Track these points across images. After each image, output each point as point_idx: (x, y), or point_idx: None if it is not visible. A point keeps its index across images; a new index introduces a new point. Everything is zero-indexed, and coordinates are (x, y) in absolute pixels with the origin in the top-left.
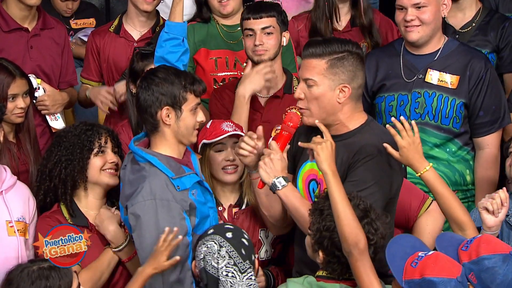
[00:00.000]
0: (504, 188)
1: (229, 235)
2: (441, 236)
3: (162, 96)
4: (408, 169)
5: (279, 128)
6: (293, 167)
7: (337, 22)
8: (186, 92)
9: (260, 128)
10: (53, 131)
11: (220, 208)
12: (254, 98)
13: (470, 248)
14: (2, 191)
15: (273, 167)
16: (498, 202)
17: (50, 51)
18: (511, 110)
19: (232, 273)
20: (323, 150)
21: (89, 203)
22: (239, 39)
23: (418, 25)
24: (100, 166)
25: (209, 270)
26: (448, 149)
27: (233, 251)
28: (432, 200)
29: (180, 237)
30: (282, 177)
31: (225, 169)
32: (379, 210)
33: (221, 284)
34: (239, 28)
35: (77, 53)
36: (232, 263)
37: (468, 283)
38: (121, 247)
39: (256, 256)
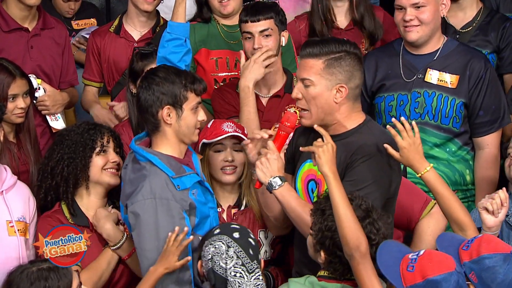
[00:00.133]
0: (504, 188)
1: (236, 235)
2: (441, 236)
3: (163, 95)
4: (409, 169)
5: (278, 126)
6: (292, 167)
7: (333, 23)
8: (186, 91)
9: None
10: (54, 131)
11: (219, 209)
12: (255, 98)
13: (471, 247)
14: (2, 191)
15: (269, 166)
16: (498, 202)
17: (50, 51)
18: (511, 111)
19: (240, 273)
20: (324, 153)
21: (90, 202)
22: (240, 39)
23: (417, 25)
24: (102, 166)
25: (217, 270)
26: (448, 149)
27: (241, 251)
28: (435, 203)
29: (191, 237)
30: (279, 176)
31: (224, 169)
32: (380, 210)
33: (230, 285)
34: (239, 28)
35: (77, 58)
36: (240, 263)
37: (469, 282)
38: (119, 244)
39: (261, 256)
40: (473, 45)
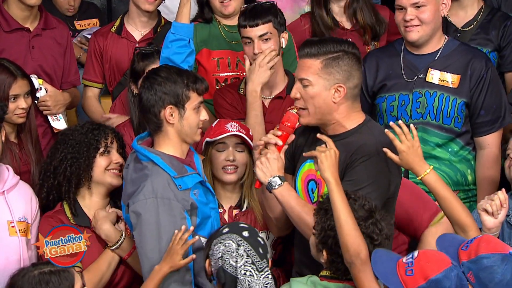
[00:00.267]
0: (503, 189)
1: (245, 234)
2: (442, 237)
3: (165, 95)
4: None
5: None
6: (292, 168)
7: (332, 25)
8: (189, 90)
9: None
10: (55, 131)
11: (220, 210)
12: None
13: (469, 247)
14: (4, 191)
15: (269, 166)
16: (498, 203)
17: (51, 51)
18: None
19: (250, 271)
20: (327, 158)
21: (91, 202)
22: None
23: (418, 25)
24: (105, 166)
25: (227, 269)
26: (450, 149)
27: (251, 249)
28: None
29: (197, 237)
30: (278, 176)
31: (225, 168)
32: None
33: (240, 283)
34: (239, 33)
35: (83, 59)
36: (250, 262)
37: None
38: (118, 244)
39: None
40: (474, 44)
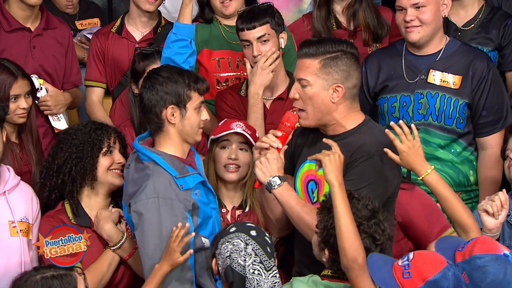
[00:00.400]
0: (504, 190)
1: (253, 233)
2: (442, 239)
3: (167, 95)
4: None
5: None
6: (291, 168)
7: (334, 28)
8: (190, 90)
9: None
10: (56, 131)
11: (223, 210)
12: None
13: (465, 248)
14: (5, 192)
15: (269, 166)
16: (498, 204)
17: (53, 51)
18: None
19: (258, 270)
20: (331, 162)
21: (94, 202)
22: None
23: (418, 26)
24: (108, 166)
25: (236, 268)
26: (452, 150)
27: (259, 248)
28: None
29: (193, 233)
30: (278, 176)
31: (227, 167)
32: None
33: (248, 282)
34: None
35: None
36: (258, 261)
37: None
38: (119, 244)
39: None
40: (474, 43)
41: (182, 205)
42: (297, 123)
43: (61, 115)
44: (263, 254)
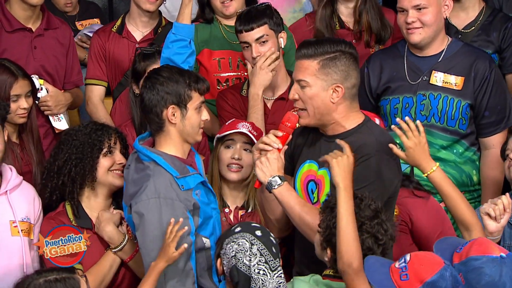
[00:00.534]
0: (507, 194)
1: (258, 233)
2: (441, 240)
3: (167, 95)
4: (416, 170)
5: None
6: (291, 168)
7: (337, 28)
8: (190, 90)
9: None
10: (57, 131)
11: (226, 210)
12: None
13: (463, 250)
14: (6, 191)
15: (269, 166)
16: (501, 208)
17: (54, 51)
18: None
19: (264, 270)
20: (339, 164)
21: (94, 203)
22: None
23: (420, 27)
24: (108, 167)
25: (241, 267)
26: (455, 150)
27: (264, 249)
28: None
29: (186, 227)
30: (278, 176)
31: (230, 166)
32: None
33: (253, 282)
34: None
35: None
36: (264, 261)
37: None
38: (120, 246)
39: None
40: (475, 46)
41: (183, 205)
42: (298, 123)
43: (61, 115)
44: (268, 254)
